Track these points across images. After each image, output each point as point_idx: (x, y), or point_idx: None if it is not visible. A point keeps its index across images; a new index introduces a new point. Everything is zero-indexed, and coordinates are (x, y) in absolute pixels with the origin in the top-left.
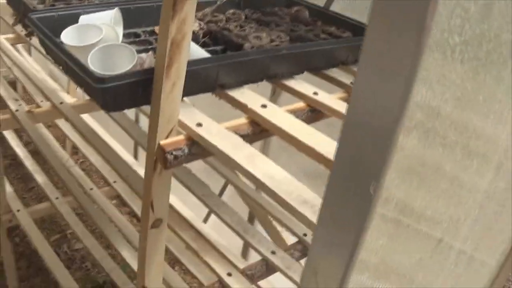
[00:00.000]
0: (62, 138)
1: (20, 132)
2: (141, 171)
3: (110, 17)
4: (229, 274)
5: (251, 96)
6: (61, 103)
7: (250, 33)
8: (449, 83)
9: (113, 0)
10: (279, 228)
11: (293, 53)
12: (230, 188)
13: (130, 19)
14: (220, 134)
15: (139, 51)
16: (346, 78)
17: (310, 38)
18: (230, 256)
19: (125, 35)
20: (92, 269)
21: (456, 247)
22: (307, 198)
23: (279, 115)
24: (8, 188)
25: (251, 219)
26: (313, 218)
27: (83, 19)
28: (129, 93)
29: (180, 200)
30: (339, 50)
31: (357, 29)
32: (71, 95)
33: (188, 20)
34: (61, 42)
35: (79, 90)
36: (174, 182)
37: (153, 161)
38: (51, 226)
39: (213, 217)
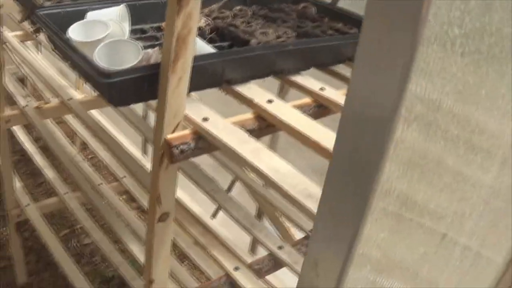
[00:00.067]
0: (71, 134)
1: (29, 128)
2: (149, 166)
3: (116, 13)
4: (236, 269)
5: (257, 91)
6: (69, 99)
7: (256, 29)
8: (449, 76)
9: None
10: (287, 224)
11: (299, 48)
12: (238, 184)
13: (137, 15)
14: (226, 129)
15: (146, 47)
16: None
17: (317, 34)
18: (237, 251)
19: (132, 31)
20: (101, 263)
21: (461, 242)
22: (312, 192)
23: (285, 110)
24: (17, 183)
25: (259, 215)
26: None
27: (90, 15)
28: (135, 88)
29: (189, 196)
30: (346, 46)
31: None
32: (80, 92)
33: (193, 15)
34: (68, 38)
35: (88, 87)
36: (183, 178)
37: (159, 156)
38: (61, 221)
39: (221, 213)
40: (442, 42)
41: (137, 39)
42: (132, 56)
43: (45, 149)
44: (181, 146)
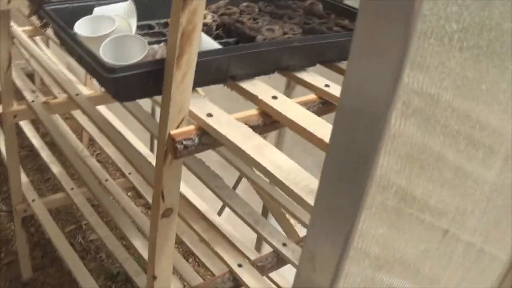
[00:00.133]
0: (79, 130)
1: (37, 124)
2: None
3: (123, 9)
4: (240, 265)
5: (262, 87)
6: (77, 94)
7: (263, 26)
8: (448, 71)
9: None
10: (292, 221)
11: (305, 45)
12: (244, 181)
13: (144, 11)
14: (230, 125)
15: (152, 43)
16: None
17: (323, 31)
18: (242, 247)
19: (139, 27)
20: (106, 260)
21: (464, 239)
22: (314, 188)
23: (290, 107)
24: (24, 178)
25: (265, 213)
26: None
27: (97, 11)
28: (140, 83)
29: (196, 193)
30: (351, 42)
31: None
32: (88, 87)
33: (198, 11)
34: (75, 33)
35: (96, 83)
36: (189, 175)
37: (163, 151)
38: (67, 217)
39: (227, 210)
40: (439, 37)
41: (144, 35)
42: (137, 51)
43: (52, 145)
44: (185, 142)
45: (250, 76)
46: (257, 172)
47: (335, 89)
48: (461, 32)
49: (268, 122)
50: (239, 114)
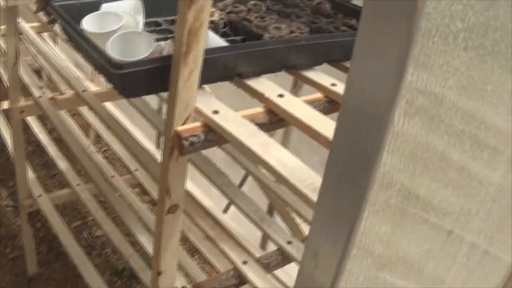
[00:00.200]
0: (85, 127)
1: (44, 120)
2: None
3: (131, 6)
4: (245, 262)
5: (269, 85)
6: (83, 91)
7: (270, 24)
8: (453, 70)
9: None
10: (297, 219)
11: (312, 44)
12: (250, 179)
13: (151, 8)
14: (236, 122)
15: (159, 40)
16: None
17: (330, 30)
18: (247, 245)
19: (146, 24)
20: (112, 256)
21: (468, 240)
22: (319, 186)
23: (296, 105)
24: (30, 174)
25: (270, 211)
26: None
27: (104, 7)
28: (146, 79)
29: (202, 190)
30: None
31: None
32: (95, 84)
33: (205, 8)
34: (82, 29)
35: (103, 79)
36: (195, 172)
37: (169, 147)
38: (73, 212)
39: (233, 208)
40: (443, 36)
41: (151, 31)
42: (144, 48)
43: (59, 141)
44: (191, 138)
45: (256, 74)
46: (263, 170)
47: (342, 88)
48: (466, 32)
49: (274, 120)
50: (245, 111)
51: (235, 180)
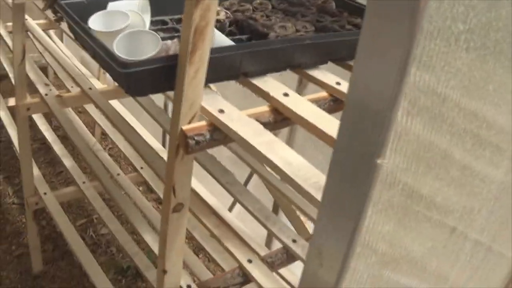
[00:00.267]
0: (91, 124)
1: (50, 117)
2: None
3: (137, 4)
4: (250, 261)
5: (274, 84)
6: (90, 88)
7: (275, 23)
8: (454, 71)
9: None
10: (302, 218)
11: (317, 43)
12: (255, 177)
13: (158, 7)
14: (241, 121)
15: (165, 39)
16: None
17: (335, 29)
18: (252, 243)
19: (153, 23)
20: (116, 254)
21: (471, 238)
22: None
23: (301, 104)
24: (36, 171)
25: (275, 209)
26: None
27: (111, 6)
28: (152, 78)
29: (207, 188)
30: None
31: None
32: (101, 82)
33: (211, 7)
34: (89, 28)
35: (109, 77)
36: (200, 170)
37: (175, 146)
38: (78, 210)
39: (238, 206)
40: (445, 37)
41: (158, 30)
42: (151, 47)
43: (65, 138)
44: (197, 137)
45: (262, 73)
46: (268, 169)
47: (346, 87)
48: (468, 33)
49: (279, 119)
50: (251, 110)
51: (240, 178)
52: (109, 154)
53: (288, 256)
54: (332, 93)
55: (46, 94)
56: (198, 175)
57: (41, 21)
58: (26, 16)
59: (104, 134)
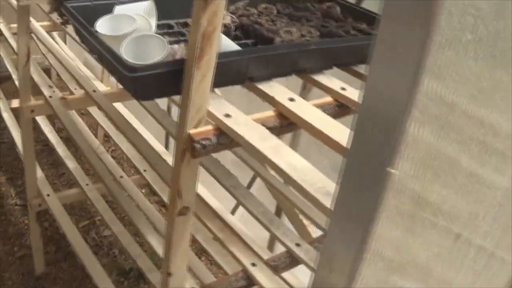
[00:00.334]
0: (94, 126)
1: (52, 119)
2: (171, 160)
3: (144, 8)
4: (253, 264)
5: (279, 89)
6: (94, 91)
7: (281, 28)
8: (463, 80)
9: None
10: (305, 221)
11: (322, 48)
12: (258, 181)
13: (164, 11)
14: (248, 125)
15: (171, 42)
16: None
17: (340, 34)
18: (255, 247)
19: (159, 26)
20: (119, 256)
21: (476, 243)
22: (330, 190)
23: (306, 109)
24: (39, 173)
25: (278, 212)
26: None
27: (118, 9)
28: (159, 82)
29: (210, 191)
30: (368, 46)
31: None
32: (104, 84)
33: (219, 12)
34: (96, 31)
35: (112, 79)
36: (203, 173)
37: (181, 150)
38: (80, 212)
39: (240, 209)
40: (454, 47)
41: (164, 34)
42: (158, 51)
43: (68, 140)
44: (203, 142)
45: (268, 77)
46: (272, 172)
47: (351, 93)
48: (476, 43)
49: (285, 124)
50: (256, 115)
51: (242, 182)
52: (112, 156)
53: (292, 260)
54: (337, 98)
55: (50, 96)
56: (200, 178)
57: (45, 23)
58: (30, 18)
59: (106, 136)
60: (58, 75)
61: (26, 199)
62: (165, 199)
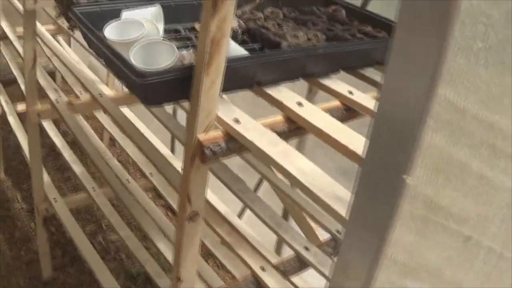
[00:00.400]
0: (99, 130)
1: (58, 123)
2: (177, 164)
3: (151, 13)
4: (263, 269)
5: (288, 94)
6: (100, 95)
7: (287, 32)
8: (473, 87)
9: None
10: (312, 224)
11: (330, 52)
12: (264, 183)
13: (170, 15)
14: (257, 131)
15: (178, 47)
16: (381, 78)
17: (346, 37)
18: (263, 251)
19: (166, 31)
20: (126, 260)
21: (485, 245)
22: (339, 194)
23: (315, 113)
24: (46, 177)
25: (285, 215)
26: (345, 213)
27: (125, 14)
28: (169, 88)
29: (215, 194)
30: (375, 50)
31: (393, 29)
32: (109, 87)
33: (228, 19)
34: (104, 37)
35: (118, 83)
36: (210, 177)
37: (191, 156)
38: (87, 216)
39: (246, 212)
40: (466, 55)
41: (171, 39)
42: (166, 57)
43: (73, 144)
44: (213, 147)
45: (275, 82)
46: (278, 176)
47: (358, 96)
48: (487, 50)
49: (293, 128)
50: (265, 120)
51: (248, 185)
52: (118, 160)
53: (301, 264)
54: (345, 102)
55: (56, 101)
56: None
57: (50, 27)
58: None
59: (112, 140)
60: (62, 78)
61: (33, 203)
62: (172, 203)
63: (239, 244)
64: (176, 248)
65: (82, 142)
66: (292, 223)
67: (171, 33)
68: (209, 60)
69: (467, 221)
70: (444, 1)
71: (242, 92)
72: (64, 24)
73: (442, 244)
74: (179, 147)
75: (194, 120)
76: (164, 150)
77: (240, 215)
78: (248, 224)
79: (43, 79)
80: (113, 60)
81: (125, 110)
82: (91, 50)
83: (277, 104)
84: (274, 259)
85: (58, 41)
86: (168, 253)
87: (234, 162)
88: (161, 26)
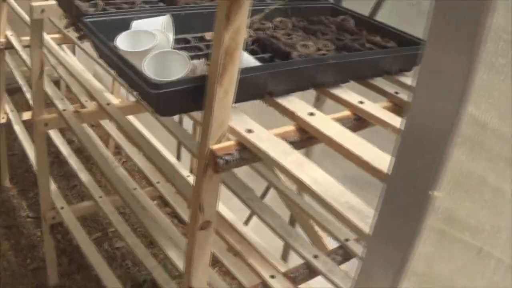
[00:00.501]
0: (105, 138)
1: (63, 130)
2: (184, 172)
3: (161, 23)
4: (272, 277)
5: (299, 104)
6: (107, 104)
7: (297, 42)
8: (494, 101)
9: (164, 6)
10: (320, 232)
11: (340, 62)
12: (271, 192)
13: (180, 25)
14: (270, 141)
15: (189, 57)
16: (390, 88)
17: (356, 47)
18: (272, 259)
19: (175, 41)
20: (132, 267)
21: (495, 256)
22: (353, 204)
23: (326, 123)
24: (52, 186)
25: (292, 223)
26: (359, 223)
27: (135, 24)
28: (182, 98)
29: (223, 202)
30: (384, 60)
31: (402, 39)
32: (115, 96)
33: (241, 30)
34: (115, 47)
35: (123, 91)
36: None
37: (204, 165)
38: (93, 224)
39: (252, 220)
40: (488, 71)
41: (181, 49)
42: (178, 67)
43: (78, 152)
44: (226, 157)
45: (286, 92)
46: (286, 183)
47: (369, 106)
48: (507, 66)
49: (305, 138)
50: (277, 130)
51: (255, 192)
52: (124, 168)
53: (310, 272)
54: (355, 112)
55: (64, 110)
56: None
57: (55, 36)
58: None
59: (117, 148)
60: (67, 87)
61: (39, 211)
62: (179, 211)
63: (248, 252)
64: (187, 257)
65: (90, 151)
66: (298, 229)
67: (181, 43)
68: (223, 71)
69: (481, 232)
70: (474, 18)
71: (254, 104)
72: (70, 33)
73: (456, 255)
74: (184, 154)
75: (207, 130)
76: (170, 158)
77: (246, 222)
78: (254, 231)
79: (50, 89)
80: (125, 70)
81: (131, 118)
82: (99, 60)
83: (289, 114)
84: (282, 267)
85: (63, 50)
86: (177, 261)
87: (241, 170)
88: (171, 36)
